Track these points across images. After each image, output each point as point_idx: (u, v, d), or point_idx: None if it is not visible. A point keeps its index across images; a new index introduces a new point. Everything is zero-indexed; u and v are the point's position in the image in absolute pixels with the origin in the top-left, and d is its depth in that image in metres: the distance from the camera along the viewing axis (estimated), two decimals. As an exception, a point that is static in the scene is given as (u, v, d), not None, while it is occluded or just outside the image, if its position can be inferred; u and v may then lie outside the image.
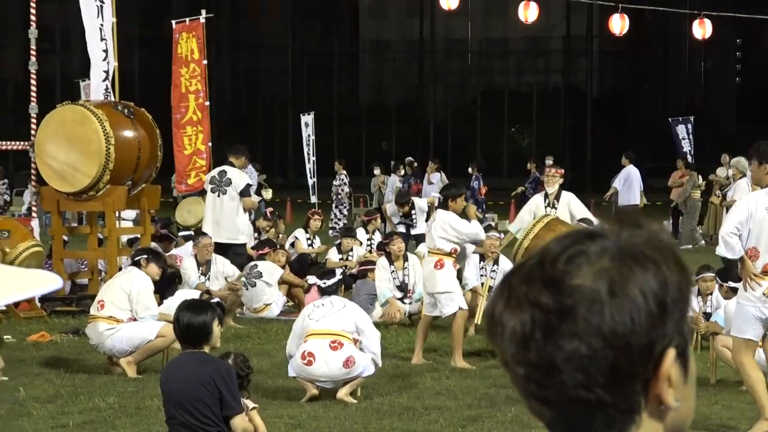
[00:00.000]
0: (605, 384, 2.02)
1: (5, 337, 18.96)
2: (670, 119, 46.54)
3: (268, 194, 30.82)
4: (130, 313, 16.78)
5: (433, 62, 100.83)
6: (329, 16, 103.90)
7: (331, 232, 36.94)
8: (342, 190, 41.20)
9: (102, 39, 25.54)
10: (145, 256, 17.89)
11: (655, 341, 2.03)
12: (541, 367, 2.04)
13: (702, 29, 34.94)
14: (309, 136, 43.67)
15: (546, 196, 21.62)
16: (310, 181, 43.81)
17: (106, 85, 25.31)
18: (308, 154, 43.66)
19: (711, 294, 18.00)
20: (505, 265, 20.62)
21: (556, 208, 20.94)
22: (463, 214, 18.27)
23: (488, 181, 43.38)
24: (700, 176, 39.71)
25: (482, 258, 20.75)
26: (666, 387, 2.04)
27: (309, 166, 43.55)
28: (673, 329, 2.06)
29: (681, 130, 49.07)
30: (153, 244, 22.11)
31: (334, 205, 40.66)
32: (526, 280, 2.08)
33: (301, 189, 44.68)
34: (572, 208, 21.08)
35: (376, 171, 46.80)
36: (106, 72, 25.48)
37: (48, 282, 3.64)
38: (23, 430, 13.37)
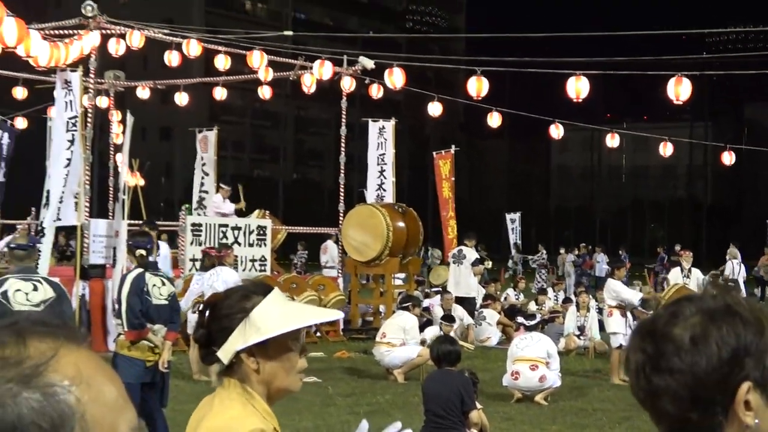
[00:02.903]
0: (691, 408, 1.95)
1: (319, 353, 19.15)
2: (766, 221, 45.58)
3: (488, 264, 30.65)
4: (402, 341, 16.83)
5: (599, 180, 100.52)
6: (530, 150, 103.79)
7: (534, 289, 36.72)
8: (539, 263, 41.13)
9: (378, 164, 25.79)
10: (411, 303, 17.96)
11: (727, 377, 1.94)
12: (649, 393, 1.99)
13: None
14: (515, 228, 43.49)
15: (682, 269, 21.38)
16: (517, 257, 43.60)
17: (378, 193, 25.54)
18: (514, 239, 43.49)
19: None
20: None
21: (689, 278, 20.82)
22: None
23: (633, 260, 42.90)
24: None
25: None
26: (743, 410, 1.94)
27: (513, 248, 43.42)
28: (751, 369, 1.94)
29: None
30: (416, 292, 22.25)
31: (536, 272, 40.55)
32: (640, 333, 2.05)
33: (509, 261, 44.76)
34: (699, 279, 20.91)
35: (562, 251, 46.55)
36: (378, 185, 25.71)
37: (335, 315, 3.90)
38: (331, 414, 13.49)
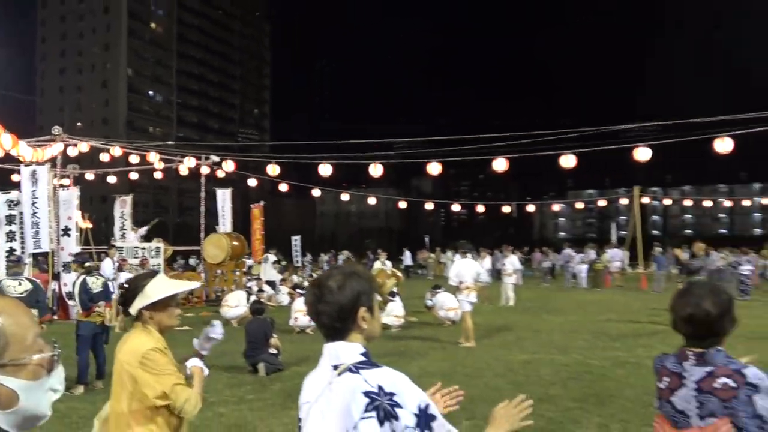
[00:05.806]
0: (337, 320, 2.01)
1: (190, 313, 18.11)
2: None
3: (282, 263, 29.64)
4: (237, 303, 16.12)
5: (342, 219, 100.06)
6: (304, 203, 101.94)
7: (305, 275, 35.00)
8: (309, 262, 38.81)
9: (222, 213, 24.40)
10: (248, 289, 17.36)
11: (355, 305, 2.01)
12: (317, 314, 2.04)
13: None
14: (297, 244, 39.88)
15: (381, 262, 20.25)
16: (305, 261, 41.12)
17: (224, 227, 24.10)
18: (296, 251, 40.41)
19: None
20: None
21: (384, 265, 19.65)
22: None
23: (357, 259, 41.34)
24: None
25: None
26: (361, 320, 2.02)
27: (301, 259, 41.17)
28: (365, 301, 2.03)
29: None
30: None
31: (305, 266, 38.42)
32: (312, 283, 2.09)
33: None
34: (388, 266, 20.18)
35: (322, 255, 44.71)
36: (224, 223, 23.78)
37: (192, 285, 3.82)
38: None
